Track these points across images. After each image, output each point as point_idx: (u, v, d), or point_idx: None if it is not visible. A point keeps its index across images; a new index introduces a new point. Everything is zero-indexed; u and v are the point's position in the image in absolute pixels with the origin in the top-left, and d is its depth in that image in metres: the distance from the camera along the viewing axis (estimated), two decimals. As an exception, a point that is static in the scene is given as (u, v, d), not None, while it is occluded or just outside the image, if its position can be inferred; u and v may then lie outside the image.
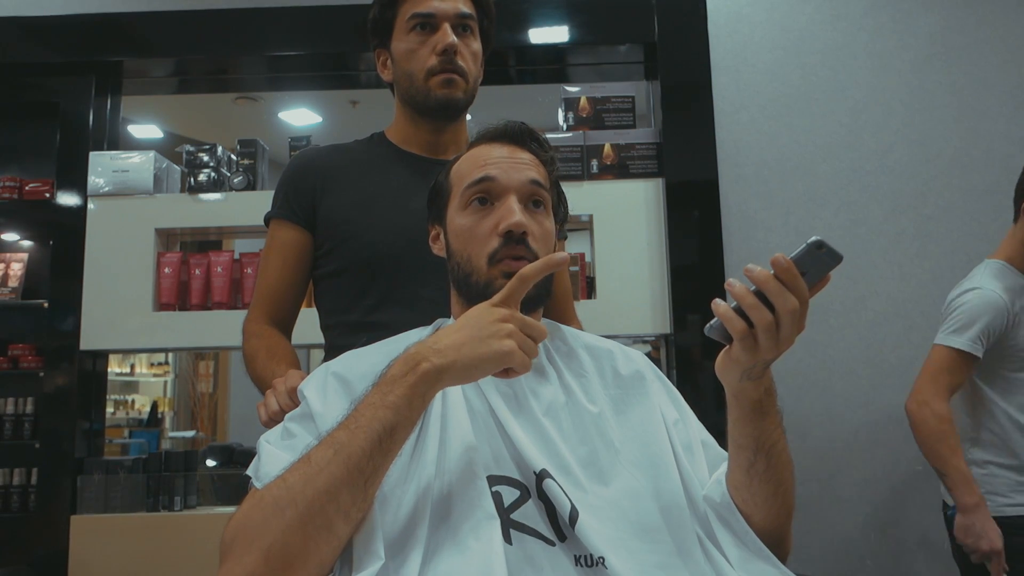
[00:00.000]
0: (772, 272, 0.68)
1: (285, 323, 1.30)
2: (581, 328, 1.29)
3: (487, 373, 0.77)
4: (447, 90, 1.23)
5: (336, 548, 0.72)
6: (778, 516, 0.82)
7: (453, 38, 1.22)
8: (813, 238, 0.68)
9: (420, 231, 1.15)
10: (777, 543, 0.83)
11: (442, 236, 0.99)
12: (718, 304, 0.70)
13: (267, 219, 1.32)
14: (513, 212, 0.89)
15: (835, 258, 0.69)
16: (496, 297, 0.79)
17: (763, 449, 0.78)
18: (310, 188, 1.27)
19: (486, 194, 0.92)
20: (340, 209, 1.25)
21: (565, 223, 1.35)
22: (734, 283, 0.70)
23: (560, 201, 1.02)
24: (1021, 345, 1.70)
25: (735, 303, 0.69)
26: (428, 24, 1.23)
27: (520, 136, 0.97)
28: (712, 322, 0.72)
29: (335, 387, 0.89)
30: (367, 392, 0.76)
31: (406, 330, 1.01)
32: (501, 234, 0.89)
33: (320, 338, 1.30)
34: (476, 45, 1.28)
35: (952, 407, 1.76)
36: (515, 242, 0.89)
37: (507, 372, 0.78)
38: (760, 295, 0.68)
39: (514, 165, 0.93)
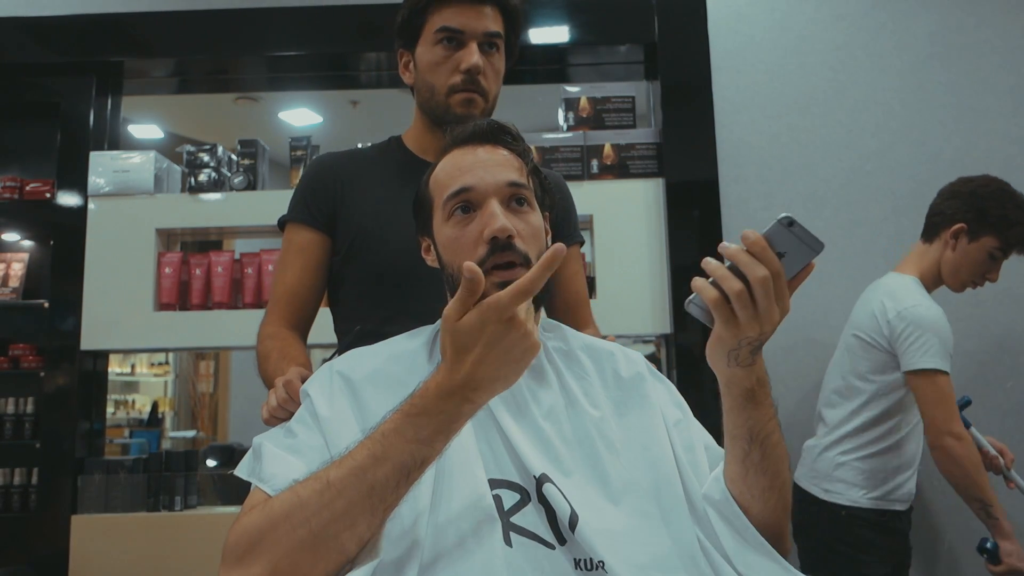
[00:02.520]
0: (743, 247, 0.70)
1: (302, 326, 1.29)
2: (600, 335, 1.26)
3: None
4: (466, 109, 1.21)
5: (343, 565, 0.72)
6: (775, 510, 0.82)
7: (478, 59, 1.20)
8: (782, 215, 0.70)
9: None
10: (777, 539, 0.83)
11: (432, 248, 0.98)
12: (696, 279, 0.73)
13: (283, 222, 1.31)
14: (496, 217, 0.87)
15: (814, 243, 0.70)
16: (510, 311, 0.71)
17: (757, 440, 0.79)
18: (330, 193, 1.26)
19: (467, 203, 0.91)
20: (356, 219, 1.24)
21: (557, 209, 1.31)
22: (709, 261, 0.72)
23: (544, 189, 1.00)
24: None
25: (712, 279, 0.72)
26: (455, 39, 1.21)
27: (490, 134, 0.95)
28: (691, 296, 0.74)
29: (340, 387, 0.88)
30: (392, 415, 0.73)
31: None
32: (487, 241, 0.87)
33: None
34: (500, 63, 1.26)
35: (838, 393, 1.84)
36: (501, 248, 0.87)
37: None
38: (734, 269, 0.70)
39: (489, 169, 0.91)
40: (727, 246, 0.70)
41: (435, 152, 1.27)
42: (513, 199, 0.91)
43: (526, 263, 0.88)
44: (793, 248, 0.70)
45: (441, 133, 1.25)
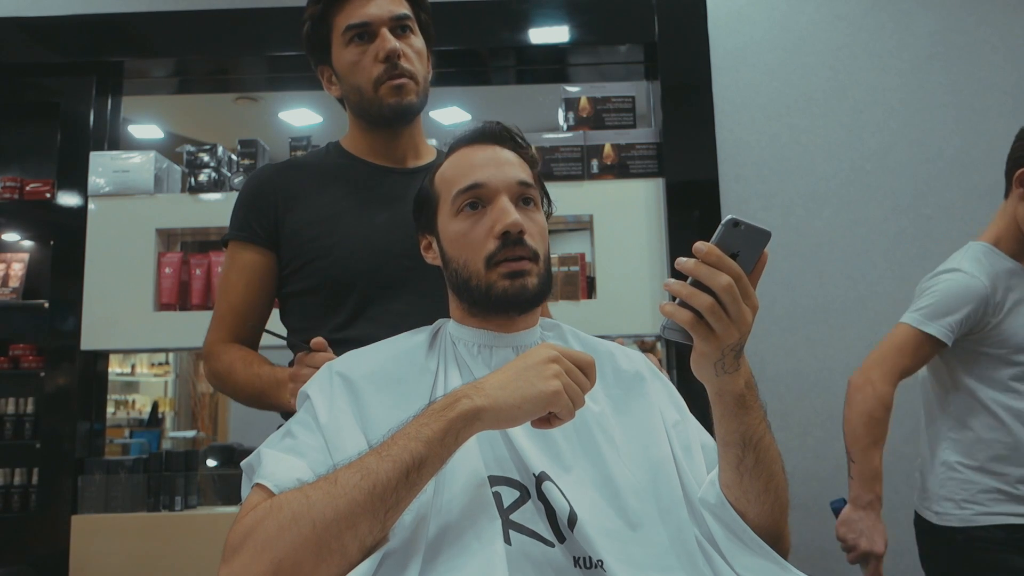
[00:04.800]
0: (698, 259, 0.71)
1: (250, 343, 1.26)
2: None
3: (530, 416, 0.76)
4: (398, 97, 1.19)
5: (346, 570, 0.71)
6: (772, 512, 0.82)
7: (394, 43, 1.18)
8: (726, 217, 0.72)
9: (387, 245, 1.15)
10: (775, 540, 0.83)
11: (434, 244, 0.99)
12: (664, 304, 0.74)
13: (225, 241, 1.28)
14: (508, 213, 0.89)
15: (762, 235, 0.72)
16: (555, 348, 0.79)
17: (750, 444, 0.79)
18: (271, 206, 1.23)
19: (477, 199, 0.92)
20: (305, 227, 1.22)
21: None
22: (671, 282, 0.73)
23: (544, 194, 1.01)
24: (1007, 337, 1.49)
25: (678, 299, 0.73)
26: (365, 33, 1.20)
27: (500, 136, 0.97)
28: (664, 323, 0.75)
29: (340, 389, 0.88)
30: (409, 421, 0.75)
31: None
32: (498, 236, 0.89)
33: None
34: (419, 43, 1.24)
35: (928, 403, 1.64)
36: (513, 243, 0.89)
37: (549, 420, 0.78)
38: (696, 283, 0.71)
39: (500, 166, 0.93)
40: (684, 262, 0.71)
41: (377, 153, 1.27)
42: (521, 198, 0.94)
43: (535, 259, 0.91)
44: (745, 245, 0.72)
45: (380, 133, 1.25)
